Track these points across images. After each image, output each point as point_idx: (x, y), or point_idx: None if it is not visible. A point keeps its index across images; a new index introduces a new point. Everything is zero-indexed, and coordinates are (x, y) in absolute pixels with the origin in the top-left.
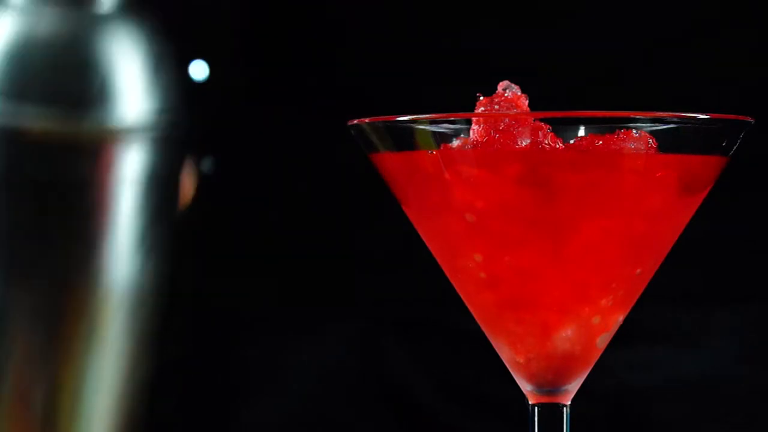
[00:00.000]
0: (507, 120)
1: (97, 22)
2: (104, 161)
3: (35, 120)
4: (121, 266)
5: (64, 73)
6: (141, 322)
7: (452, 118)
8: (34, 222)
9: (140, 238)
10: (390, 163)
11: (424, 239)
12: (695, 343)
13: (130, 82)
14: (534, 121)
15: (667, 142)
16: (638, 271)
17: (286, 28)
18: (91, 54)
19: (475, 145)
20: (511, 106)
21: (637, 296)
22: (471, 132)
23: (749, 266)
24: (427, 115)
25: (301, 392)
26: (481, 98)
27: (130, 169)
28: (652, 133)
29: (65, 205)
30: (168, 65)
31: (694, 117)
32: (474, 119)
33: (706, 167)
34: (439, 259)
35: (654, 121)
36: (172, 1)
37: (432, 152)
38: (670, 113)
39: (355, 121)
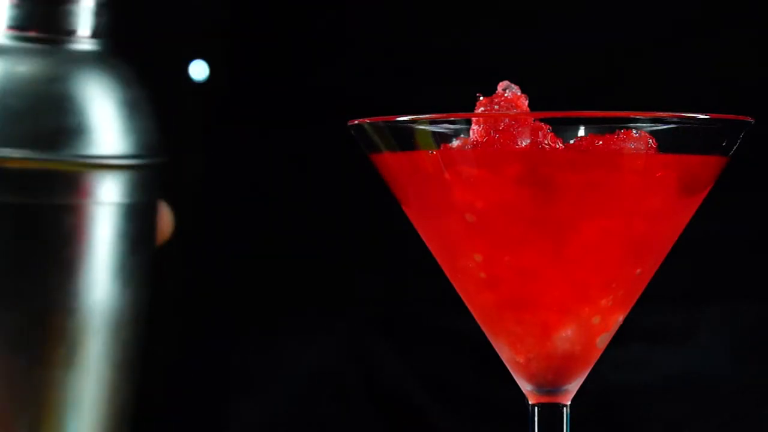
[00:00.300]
0: (507, 120)
1: (76, 61)
2: (81, 189)
3: (13, 150)
4: (101, 292)
5: (42, 108)
6: (123, 346)
7: (452, 118)
8: (12, 248)
9: (120, 264)
10: (390, 163)
11: (424, 239)
12: (687, 342)
13: (108, 119)
14: (534, 121)
15: (667, 142)
16: (638, 271)
17: (287, 27)
18: (70, 91)
19: (475, 145)
20: (511, 106)
21: (637, 296)
22: (471, 132)
23: (739, 265)
24: (427, 115)
25: (294, 395)
26: (481, 98)
27: (107, 198)
28: (652, 133)
29: (43, 231)
30: (146, 104)
31: (694, 117)
32: (474, 119)
33: (706, 167)
34: (439, 259)
35: (654, 121)
36: (152, 39)
37: (432, 152)
38: (670, 113)
39: (356, 121)
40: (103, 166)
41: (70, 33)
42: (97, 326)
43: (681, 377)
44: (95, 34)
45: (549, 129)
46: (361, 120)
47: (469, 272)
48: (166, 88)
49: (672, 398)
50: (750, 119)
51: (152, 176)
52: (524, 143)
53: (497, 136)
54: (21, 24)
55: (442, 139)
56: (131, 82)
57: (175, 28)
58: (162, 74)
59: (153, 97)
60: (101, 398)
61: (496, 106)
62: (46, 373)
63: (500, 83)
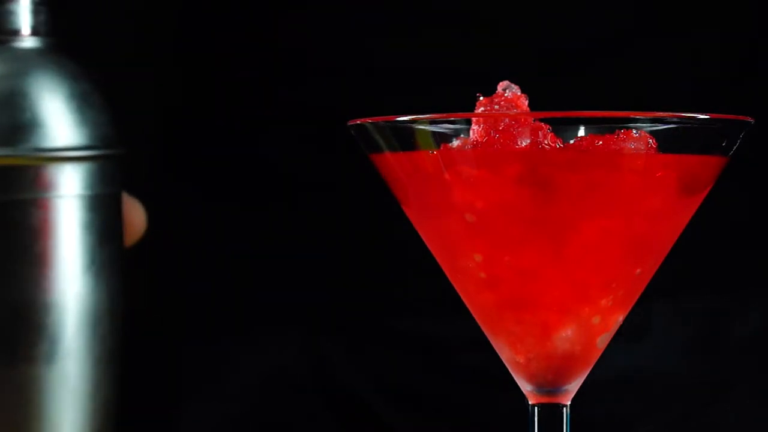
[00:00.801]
0: (507, 120)
1: (22, 59)
2: (42, 183)
3: None
4: (74, 285)
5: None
6: (102, 339)
7: (452, 118)
8: None
9: (90, 257)
10: (390, 163)
11: (425, 239)
12: (639, 338)
13: (60, 113)
14: (534, 121)
15: (667, 142)
16: (638, 271)
17: (285, 27)
18: (20, 88)
19: (475, 145)
20: (511, 106)
21: (637, 296)
22: (471, 132)
23: (690, 261)
24: (427, 115)
25: (263, 398)
26: (481, 98)
27: (69, 190)
28: (652, 133)
29: (11, 226)
30: (96, 97)
31: (694, 117)
32: (474, 119)
33: (705, 167)
34: (439, 260)
35: (654, 121)
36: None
37: (432, 152)
38: (670, 113)
39: (357, 121)
40: (60, 158)
41: (14, 32)
42: (74, 320)
43: (633, 374)
44: (37, 32)
45: (549, 129)
46: (362, 120)
47: (469, 272)
48: (116, 81)
49: (623, 395)
50: (750, 119)
51: (111, 167)
52: (524, 143)
53: (497, 136)
54: None
55: (442, 139)
56: (79, 77)
57: (122, 24)
58: (112, 68)
59: (102, 90)
60: (84, 393)
61: (496, 106)
62: (27, 370)
63: (500, 83)
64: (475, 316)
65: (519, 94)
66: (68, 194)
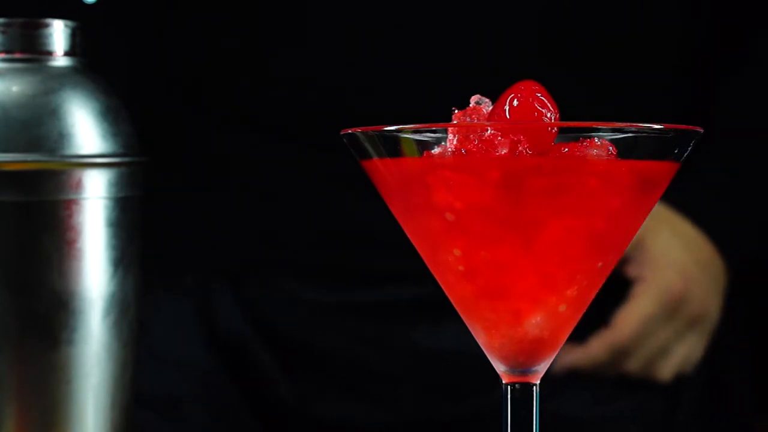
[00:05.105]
0: (490, 130)
1: (59, 77)
2: (78, 186)
3: (14, 155)
4: (106, 278)
5: (36, 118)
6: (126, 326)
7: (434, 128)
8: (27, 240)
9: (119, 254)
10: (379, 168)
11: (409, 236)
12: None
13: (92, 125)
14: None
15: (625, 149)
16: (600, 264)
17: (282, 37)
18: (58, 102)
19: (454, 152)
20: (482, 117)
21: (599, 286)
22: (449, 141)
23: None
24: (412, 125)
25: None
26: (456, 111)
27: (101, 193)
28: (613, 141)
29: (50, 224)
30: (123, 110)
31: (650, 127)
32: (450, 129)
33: (660, 172)
34: (422, 254)
35: (614, 130)
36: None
37: (416, 158)
38: (628, 123)
39: (349, 130)
40: (92, 164)
41: (50, 53)
42: (107, 308)
43: None
44: (69, 53)
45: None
46: (353, 129)
47: (448, 265)
48: (140, 95)
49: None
50: (699, 129)
51: (136, 173)
52: (503, 151)
53: (476, 142)
54: (7, 48)
55: (425, 146)
56: (107, 92)
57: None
58: (135, 83)
59: (128, 104)
60: (112, 372)
61: (468, 118)
62: (67, 351)
63: (472, 97)
64: (454, 304)
65: (490, 107)
66: (100, 196)
